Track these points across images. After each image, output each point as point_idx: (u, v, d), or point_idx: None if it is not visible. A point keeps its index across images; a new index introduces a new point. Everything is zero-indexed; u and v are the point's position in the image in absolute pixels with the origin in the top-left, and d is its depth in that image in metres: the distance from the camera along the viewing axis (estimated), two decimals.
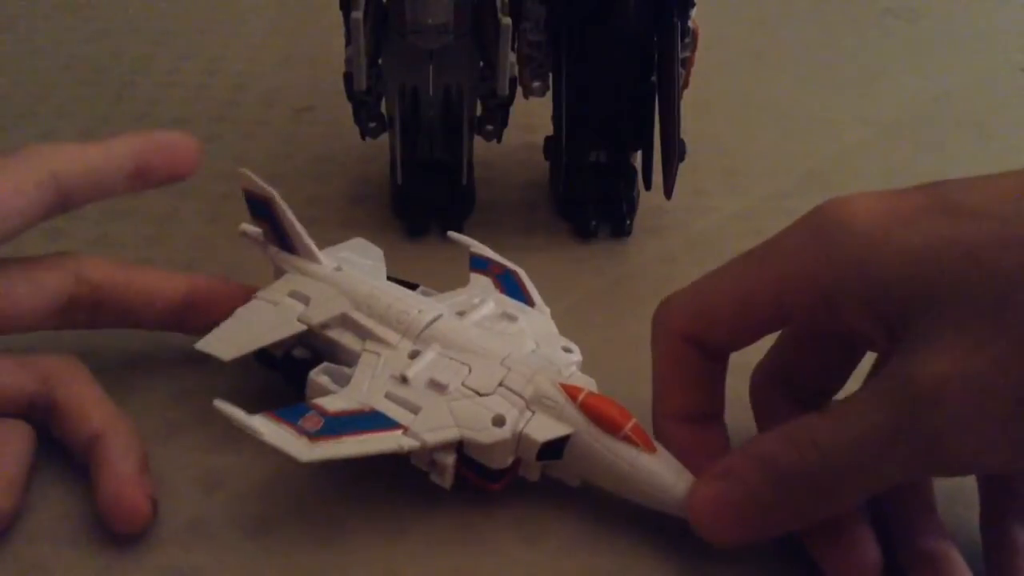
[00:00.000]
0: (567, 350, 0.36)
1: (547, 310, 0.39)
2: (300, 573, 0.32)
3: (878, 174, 0.55)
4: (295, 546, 0.33)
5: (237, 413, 0.32)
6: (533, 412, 0.33)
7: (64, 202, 0.35)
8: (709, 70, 0.48)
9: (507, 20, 0.42)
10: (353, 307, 0.37)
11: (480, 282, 0.40)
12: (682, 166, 0.46)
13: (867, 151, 0.58)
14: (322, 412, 0.33)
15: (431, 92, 0.47)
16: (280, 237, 0.39)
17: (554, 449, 0.33)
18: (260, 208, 0.39)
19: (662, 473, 0.32)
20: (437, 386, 0.34)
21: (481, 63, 0.46)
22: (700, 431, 0.34)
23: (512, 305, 0.38)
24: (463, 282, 0.40)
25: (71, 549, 0.33)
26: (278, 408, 0.33)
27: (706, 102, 0.53)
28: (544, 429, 0.33)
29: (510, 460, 0.33)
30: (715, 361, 0.33)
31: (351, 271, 0.39)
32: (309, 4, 0.73)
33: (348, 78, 0.44)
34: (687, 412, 0.34)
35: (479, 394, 0.34)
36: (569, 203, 0.50)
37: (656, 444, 0.32)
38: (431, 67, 0.46)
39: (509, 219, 0.50)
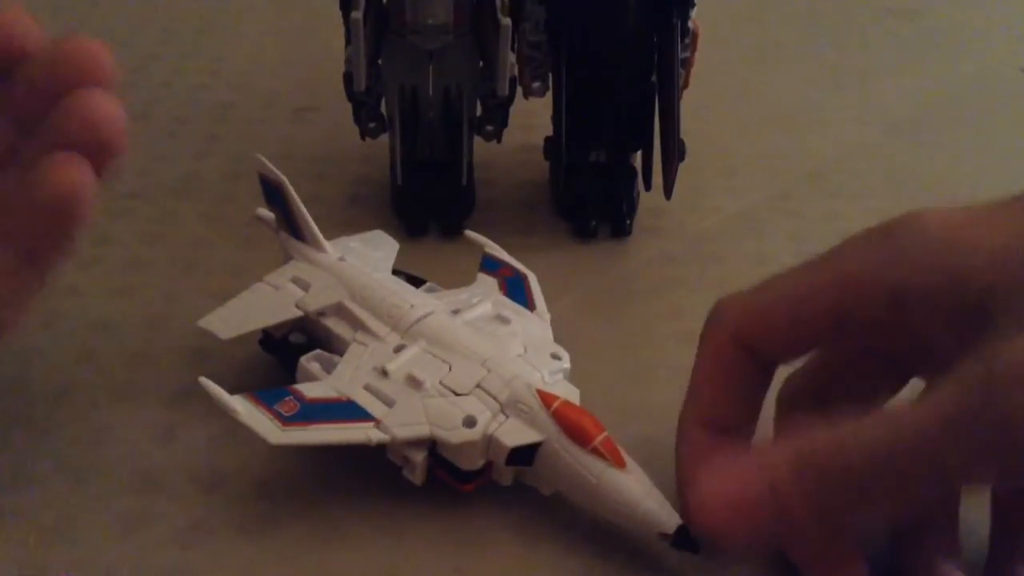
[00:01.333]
0: (556, 357, 0.36)
1: (548, 316, 0.38)
2: (300, 573, 0.32)
3: (878, 174, 0.55)
4: (295, 546, 0.33)
5: (218, 391, 0.33)
6: (507, 416, 0.33)
7: None
8: (709, 70, 0.48)
9: (507, 20, 0.42)
10: (349, 297, 0.37)
11: (485, 282, 0.40)
12: (682, 166, 0.46)
13: (867, 151, 0.58)
14: (299, 398, 0.33)
15: (431, 92, 0.47)
16: (290, 224, 0.40)
17: (524, 455, 0.33)
18: (273, 194, 0.40)
19: (629, 490, 0.31)
20: (414, 382, 0.34)
21: (481, 63, 0.46)
22: (726, 443, 0.31)
23: (509, 307, 0.38)
24: (462, 282, 0.40)
25: (71, 548, 0.33)
26: (259, 390, 0.33)
27: (706, 102, 0.53)
28: (514, 434, 0.33)
29: (481, 463, 0.33)
30: (762, 370, 0.32)
31: (354, 262, 0.39)
32: (309, 4, 0.73)
33: (348, 78, 0.44)
34: (719, 420, 0.32)
35: (455, 393, 0.34)
36: (569, 203, 0.50)
37: (627, 460, 0.32)
38: (431, 67, 0.46)
39: (509, 219, 0.50)
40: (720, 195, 0.53)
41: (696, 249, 0.49)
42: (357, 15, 0.41)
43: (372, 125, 0.48)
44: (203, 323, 0.37)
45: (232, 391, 0.33)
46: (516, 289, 0.39)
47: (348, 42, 0.43)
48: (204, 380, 0.33)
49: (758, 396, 0.32)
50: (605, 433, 0.32)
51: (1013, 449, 0.25)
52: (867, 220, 0.30)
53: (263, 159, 0.39)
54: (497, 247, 0.41)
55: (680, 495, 0.32)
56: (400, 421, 0.33)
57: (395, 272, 0.40)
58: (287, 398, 0.33)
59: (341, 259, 0.39)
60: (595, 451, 0.32)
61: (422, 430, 0.33)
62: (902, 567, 0.31)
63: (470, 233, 0.42)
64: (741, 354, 0.31)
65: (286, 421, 0.32)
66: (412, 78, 0.46)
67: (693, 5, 0.44)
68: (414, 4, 0.43)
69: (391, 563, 0.33)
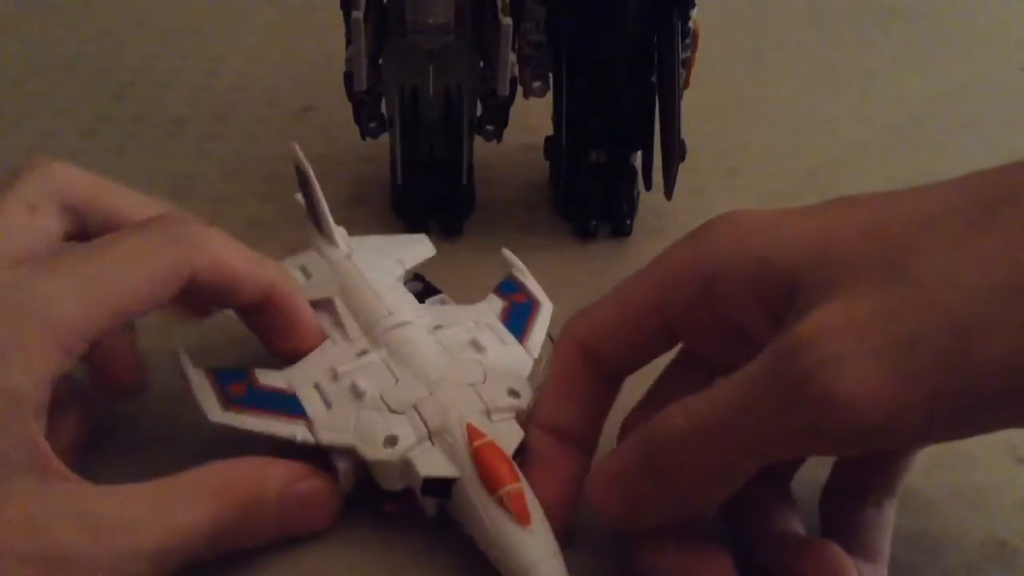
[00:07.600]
0: (514, 393, 0.33)
1: (538, 351, 0.37)
2: (300, 573, 0.32)
3: (878, 174, 0.55)
4: (295, 545, 0.33)
5: (185, 359, 0.34)
6: (432, 444, 0.32)
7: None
8: (709, 70, 0.48)
9: (507, 20, 0.42)
10: (340, 294, 0.37)
11: (492, 303, 0.38)
12: (682, 166, 0.46)
13: (867, 151, 0.58)
14: (251, 381, 0.34)
15: (431, 92, 0.47)
16: (312, 214, 0.41)
17: (440, 488, 0.31)
18: (303, 183, 0.40)
19: (526, 552, 0.29)
20: (356, 391, 0.33)
21: (481, 63, 0.46)
22: (563, 450, 0.32)
23: (494, 334, 0.37)
24: (461, 283, 0.40)
25: None
26: (221, 368, 0.34)
27: (706, 102, 0.53)
28: (432, 464, 0.31)
29: (400, 486, 0.32)
30: (607, 383, 0.33)
31: (358, 260, 0.39)
32: (309, 4, 0.73)
33: (348, 78, 0.44)
34: (560, 427, 0.32)
35: (390, 410, 0.33)
36: (569, 203, 0.50)
37: (534, 519, 0.29)
38: (431, 67, 0.46)
39: (509, 219, 0.50)
40: (720, 195, 0.53)
41: None
42: (358, 15, 0.41)
43: (372, 125, 0.48)
44: None
45: None
46: (518, 317, 0.38)
47: (349, 42, 0.43)
48: (181, 351, 0.34)
49: (601, 408, 0.33)
50: (518, 485, 0.30)
51: (808, 413, 0.25)
52: None
53: (297, 148, 0.39)
54: (525, 271, 0.40)
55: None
56: (329, 426, 0.33)
57: (416, 277, 0.40)
58: (239, 381, 0.34)
59: (348, 256, 0.39)
60: (499, 501, 0.30)
61: (346, 439, 0.32)
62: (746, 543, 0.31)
63: (507, 252, 0.40)
64: (586, 366, 0.32)
65: (229, 403, 0.33)
66: (412, 78, 0.46)
67: (694, 5, 0.44)
68: (415, 4, 0.43)
69: (391, 563, 0.33)
